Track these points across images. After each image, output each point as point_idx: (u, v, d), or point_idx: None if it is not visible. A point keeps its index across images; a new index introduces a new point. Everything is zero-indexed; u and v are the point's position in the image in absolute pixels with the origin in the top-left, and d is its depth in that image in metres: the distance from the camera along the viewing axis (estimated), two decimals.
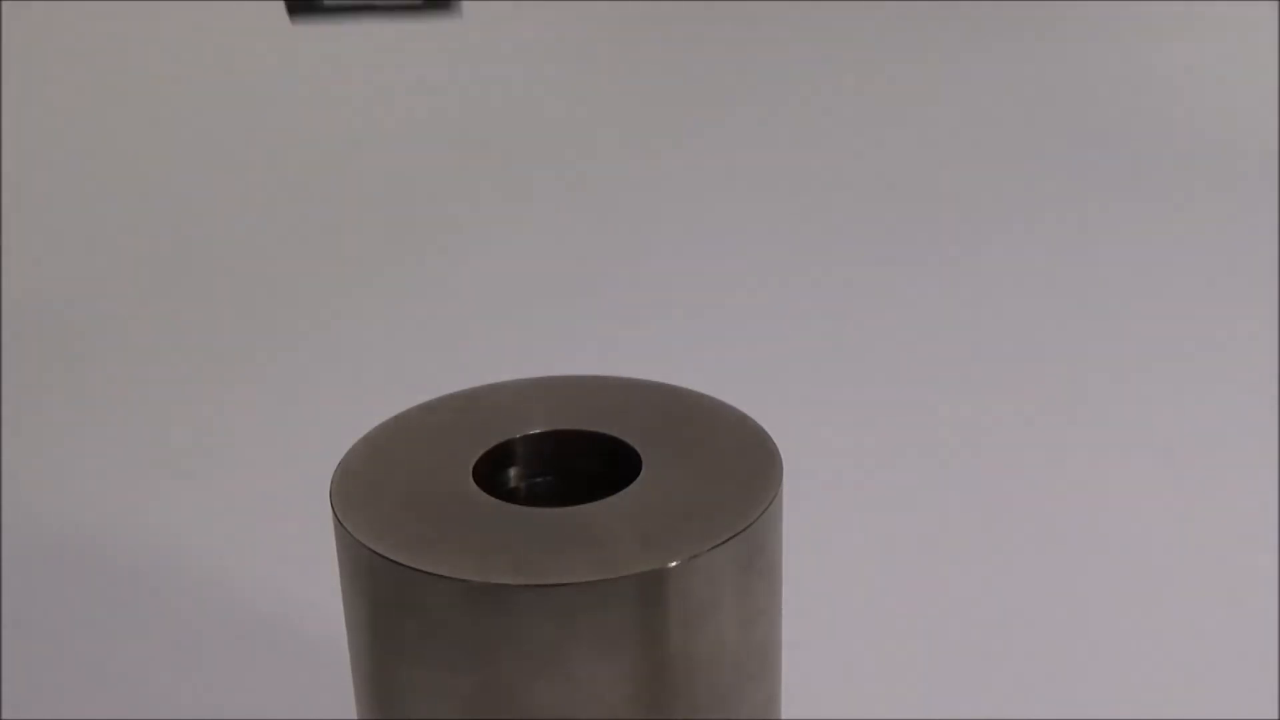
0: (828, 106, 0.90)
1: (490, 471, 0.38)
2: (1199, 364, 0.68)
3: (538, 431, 0.38)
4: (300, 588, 0.54)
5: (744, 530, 0.34)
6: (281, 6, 1.04)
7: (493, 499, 0.36)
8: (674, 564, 0.33)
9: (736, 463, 0.37)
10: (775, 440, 0.38)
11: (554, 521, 0.35)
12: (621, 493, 0.36)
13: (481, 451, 0.38)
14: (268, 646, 0.52)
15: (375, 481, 0.37)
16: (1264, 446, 0.62)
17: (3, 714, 0.49)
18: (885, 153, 0.80)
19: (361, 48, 1.11)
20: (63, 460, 0.66)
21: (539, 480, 0.38)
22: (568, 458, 0.36)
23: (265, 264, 0.87)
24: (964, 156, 0.93)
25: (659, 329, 0.73)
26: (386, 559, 0.33)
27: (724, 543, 0.34)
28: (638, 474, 0.37)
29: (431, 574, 0.33)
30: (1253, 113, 0.96)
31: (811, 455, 0.49)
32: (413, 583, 0.33)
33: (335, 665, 0.40)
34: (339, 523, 0.35)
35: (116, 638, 0.54)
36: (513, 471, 0.39)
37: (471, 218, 0.92)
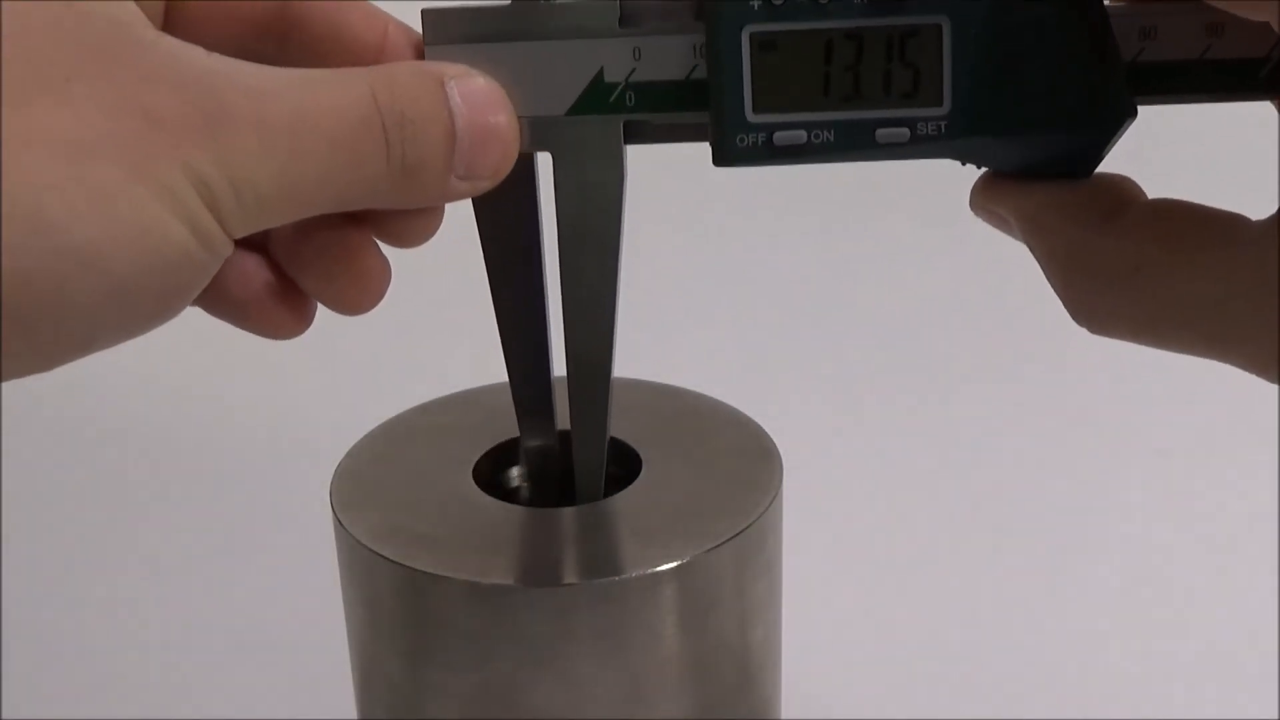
0: None
1: (490, 471, 0.38)
2: (1200, 364, 0.68)
3: None
4: (300, 588, 0.54)
5: (744, 530, 0.34)
6: None
7: (493, 499, 0.36)
8: (674, 564, 0.33)
9: (736, 463, 0.37)
10: (775, 440, 0.38)
11: (554, 521, 0.35)
12: (621, 493, 0.36)
13: (481, 451, 0.38)
14: (268, 646, 0.52)
15: (375, 481, 0.37)
16: (1264, 447, 0.62)
17: (3, 714, 0.49)
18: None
19: None
20: (62, 460, 0.66)
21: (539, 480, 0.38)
22: (567, 458, 0.36)
23: None
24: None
25: (659, 330, 0.73)
26: (386, 559, 0.33)
27: (724, 543, 0.34)
28: (638, 474, 0.37)
29: (432, 574, 0.33)
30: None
31: (811, 455, 0.49)
32: (413, 583, 0.33)
33: (335, 665, 0.40)
34: (339, 523, 0.35)
35: (117, 638, 0.54)
36: (513, 471, 0.39)
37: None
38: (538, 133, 0.32)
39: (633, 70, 0.31)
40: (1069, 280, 0.29)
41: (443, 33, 0.32)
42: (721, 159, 0.31)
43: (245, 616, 0.54)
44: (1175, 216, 0.28)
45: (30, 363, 0.26)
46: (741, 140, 0.31)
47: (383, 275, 0.33)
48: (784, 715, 0.39)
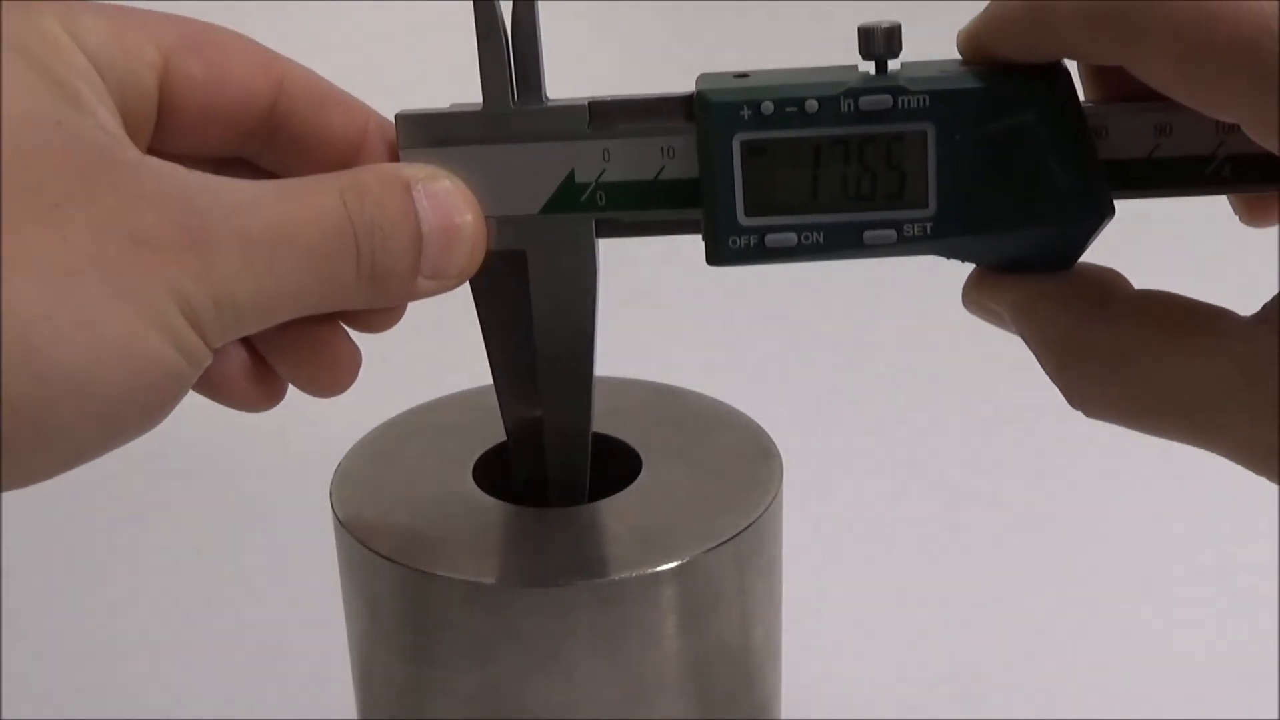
0: None
1: (490, 471, 0.38)
2: None
3: None
4: (300, 588, 0.54)
5: (744, 530, 0.34)
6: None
7: (493, 499, 0.36)
8: (674, 564, 0.33)
9: (736, 463, 0.37)
10: (775, 440, 0.38)
11: (554, 521, 0.35)
12: (621, 493, 0.36)
13: (481, 451, 0.38)
14: (268, 646, 0.52)
15: (375, 481, 0.37)
16: None
17: (3, 714, 0.49)
18: None
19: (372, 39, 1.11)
20: None
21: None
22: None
23: None
24: None
25: (659, 330, 0.73)
26: (386, 559, 0.33)
27: (724, 543, 0.34)
28: (638, 474, 0.37)
29: (431, 574, 0.33)
30: None
31: (811, 455, 0.49)
32: (413, 582, 0.33)
33: (335, 665, 0.40)
34: (339, 523, 0.35)
35: (117, 638, 0.54)
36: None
37: None
38: (512, 231, 0.33)
39: (603, 171, 0.32)
40: (1062, 367, 0.30)
41: (417, 136, 0.32)
42: (715, 259, 0.32)
43: (245, 616, 0.54)
44: (1163, 307, 0.29)
45: (14, 480, 0.27)
46: (734, 242, 0.32)
47: (352, 362, 0.34)
48: (784, 715, 0.39)
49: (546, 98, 0.32)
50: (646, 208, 0.32)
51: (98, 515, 0.62)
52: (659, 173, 0.32)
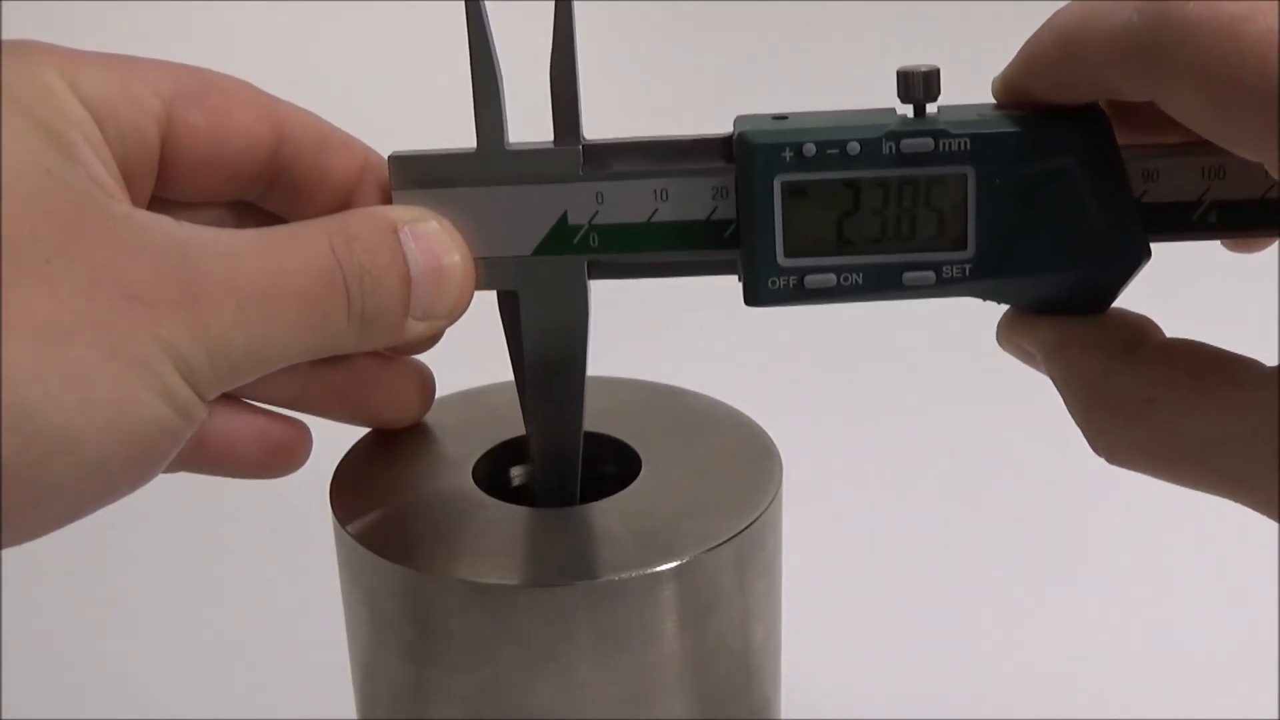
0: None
1: (490, 471, 0.38)
2: None
3: None
4: (300, 588, 0.54)
5: (744, 530, 0.34)
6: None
7: (493, 499, 0.36)
8: (674, 564, 0.33)
9: (736, 463, 0.37)
10: (775, 440, 0.38)
11: (554, 521, 0.35)
12: (621, 493, 0.36)
13: (481, 451, 0.38)
14: (268, 646, 0.52)
15: (375, 481, 0.37)
16: None
17: (2, 714, 0.49)
18: None
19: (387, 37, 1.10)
20: None
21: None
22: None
23: None
24: None
25: (659, 330, 0.72)
26: (386, 559, 0.33)
27: (724, 543, 0.34)
28: (638, 474, 0.37)
29: (432, 574, 0.33)
30: None
31: (811, 455, 0.49)
32: (413, 583, 0.33)
33: (335, 665, 0.40)
34: (339, 523, 0.35)
35: (117, 638, 0.54)
36: (513, 471, 0.39)
37: None
38: (504, 272, 0.33)
39: (596, 213, 0.32)
40: (1087, 411, 0.30)
41: (410, 177, 0.33)
42: (753, 300, 0.32)
43: (245, 617, 0.54)
44: (1189, 354, 0.29)
45: (8, 539, 0.27)
46: (773, 283, 0.32)
47: (412, 388, 0.36)
48: (784, 715, 0.39)
49: (584, 138, 0.32)
50: (640, 250, 0.33)
51: (97, 514, 0.62)
52: (652, 215, 0.32)
